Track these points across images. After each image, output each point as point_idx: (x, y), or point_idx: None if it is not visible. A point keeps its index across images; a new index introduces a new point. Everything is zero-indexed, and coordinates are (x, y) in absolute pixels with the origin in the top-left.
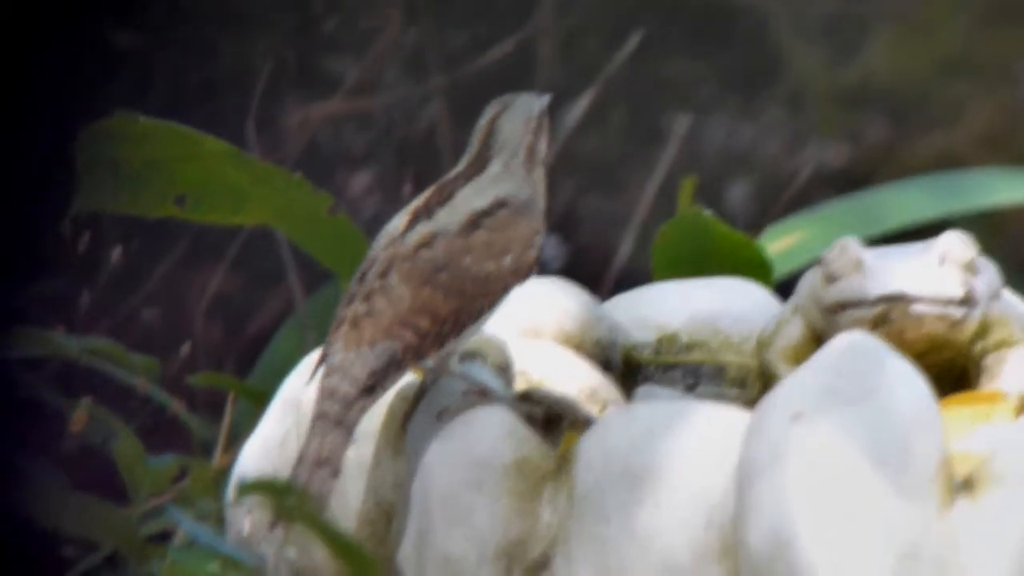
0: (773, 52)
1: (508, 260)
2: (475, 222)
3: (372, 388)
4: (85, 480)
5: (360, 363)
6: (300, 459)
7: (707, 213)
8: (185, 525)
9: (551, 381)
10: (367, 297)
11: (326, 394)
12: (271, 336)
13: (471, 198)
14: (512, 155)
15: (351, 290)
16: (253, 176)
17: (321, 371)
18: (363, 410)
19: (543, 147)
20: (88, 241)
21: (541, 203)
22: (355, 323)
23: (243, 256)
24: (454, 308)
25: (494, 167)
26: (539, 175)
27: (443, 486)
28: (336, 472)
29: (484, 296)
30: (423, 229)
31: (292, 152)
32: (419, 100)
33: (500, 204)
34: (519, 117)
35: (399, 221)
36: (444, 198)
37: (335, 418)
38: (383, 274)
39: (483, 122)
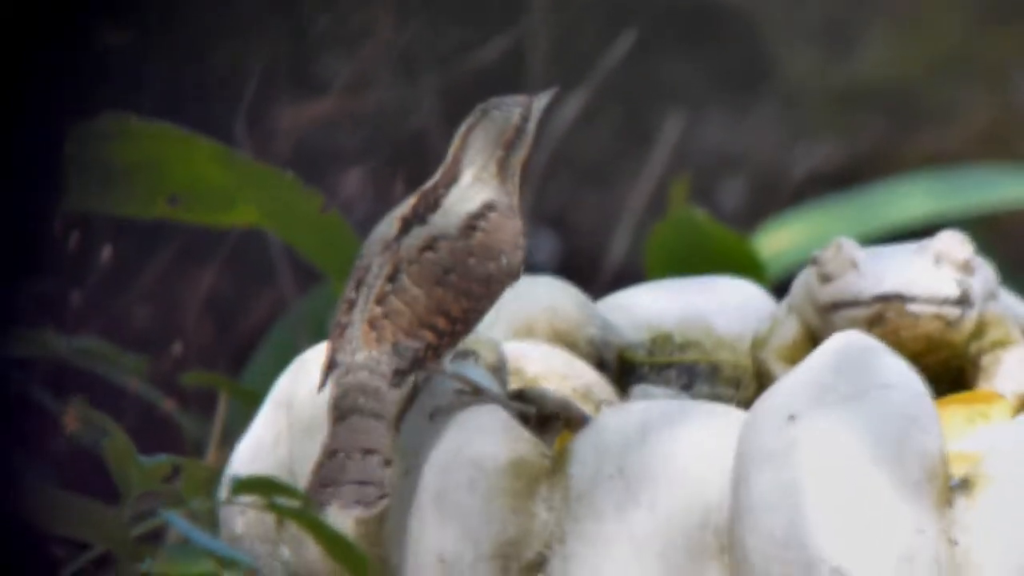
0: (766, 51)
1: (504, 261)
2: (472, 225)
3: (398, 386)
4: (76, 479)
5: (386, 361)
6: (335, 451)
7: (700, 212)
8: (179, 525)
9: (545, 380)
10: (381, 300)
11: (356, 390)
12: (263, 335)
13: (460, 203)
14: (483, 168)
15: (348, 296)
16: (244, 176)
17: (338, 372)
18: (395, 404)
19: (517, 159)
20: (78, 239)
21: (517, 207)
22: (373, 324)
23: (235, 255)
24: (464, 308)
25: (465, 178)
26: (513, 184)
27: (437, 486)
28: (388, 462)
29: (487, 296)
30: (422, 233)
31: (283, 152)
32: (410, 100)
33: (489, 207)
34: (492, 130)
35: (387, 227)
36: (432, 204)
37: (372, 411)
38: (391, 277)
39: (459, 132)
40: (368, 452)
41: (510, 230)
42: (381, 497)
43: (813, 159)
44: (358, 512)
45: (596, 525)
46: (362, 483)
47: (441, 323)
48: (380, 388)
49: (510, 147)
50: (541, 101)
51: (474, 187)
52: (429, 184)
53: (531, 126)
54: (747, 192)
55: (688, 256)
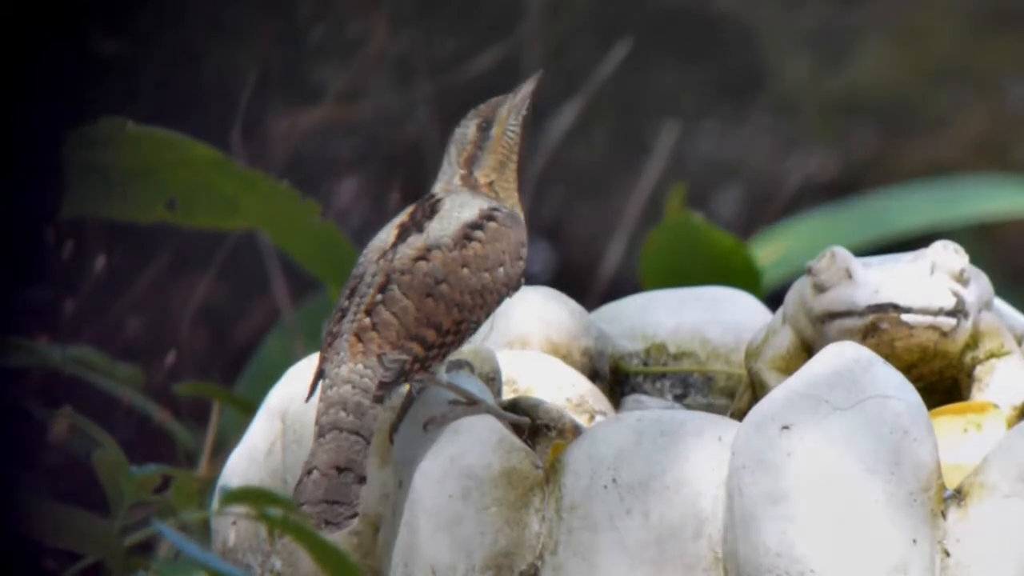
0: (761, 61)
1: (501, 272)
2: (467, 235)
3: (381, 399)
4: (69, 490)
5: (370, 374)
6: (312, 469)
7: (696, 216)
8: (170, 537)
9: (539, 391)
10: (370, 310)
11: (337, 405)
12: (257, 344)
13: (457, 210)
14: (449, 183)
15: (341, 305)
16: (241, 183)
17: (323, 384)
18: (376, 419)
19: (484, 170)
20: (72, 248)
21: (519, 213)
22: (360, 336)
23: (228, 264)
24: (455, 320)
25: (439, 184)
26: (508, 188)
27: (430, 496)
28: (361, 479)
29: (482, 307)
30: (416, 242)
31: (278, 160)
32: (406, 108)
33: (488, 216)
34: (453, 150)
35: (385, 235)
36: (430, 211)
37: (350, 427)
38: (383, 287)
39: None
40: (343, 470)
41: (511, 239)
42: (351, 517)
43: (808, 168)
44: (327, 532)
45: (589, 535)
46: (334, 502)
47: (431, 336)
48: (362, 403)
49: (471, 163)
50: (517, 96)
51: (468, 194)
52: (428, 192)
53: (497, 130)
54: (742, 202)
55: (684, 261)
